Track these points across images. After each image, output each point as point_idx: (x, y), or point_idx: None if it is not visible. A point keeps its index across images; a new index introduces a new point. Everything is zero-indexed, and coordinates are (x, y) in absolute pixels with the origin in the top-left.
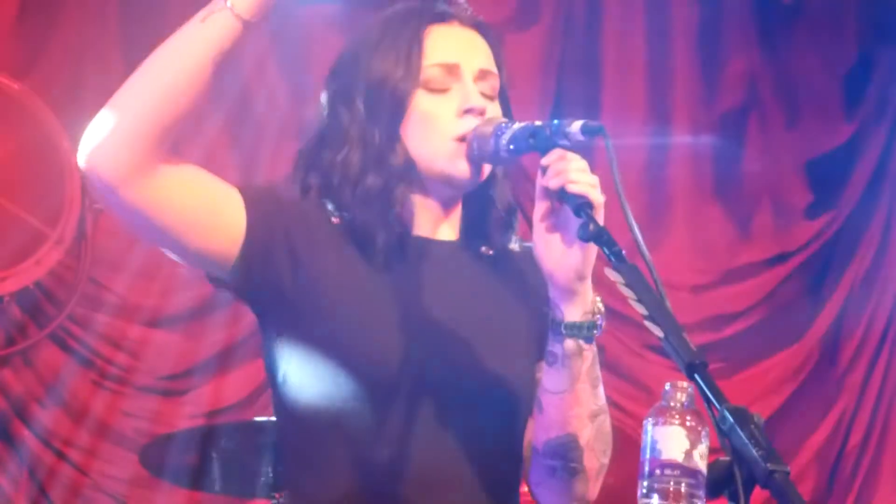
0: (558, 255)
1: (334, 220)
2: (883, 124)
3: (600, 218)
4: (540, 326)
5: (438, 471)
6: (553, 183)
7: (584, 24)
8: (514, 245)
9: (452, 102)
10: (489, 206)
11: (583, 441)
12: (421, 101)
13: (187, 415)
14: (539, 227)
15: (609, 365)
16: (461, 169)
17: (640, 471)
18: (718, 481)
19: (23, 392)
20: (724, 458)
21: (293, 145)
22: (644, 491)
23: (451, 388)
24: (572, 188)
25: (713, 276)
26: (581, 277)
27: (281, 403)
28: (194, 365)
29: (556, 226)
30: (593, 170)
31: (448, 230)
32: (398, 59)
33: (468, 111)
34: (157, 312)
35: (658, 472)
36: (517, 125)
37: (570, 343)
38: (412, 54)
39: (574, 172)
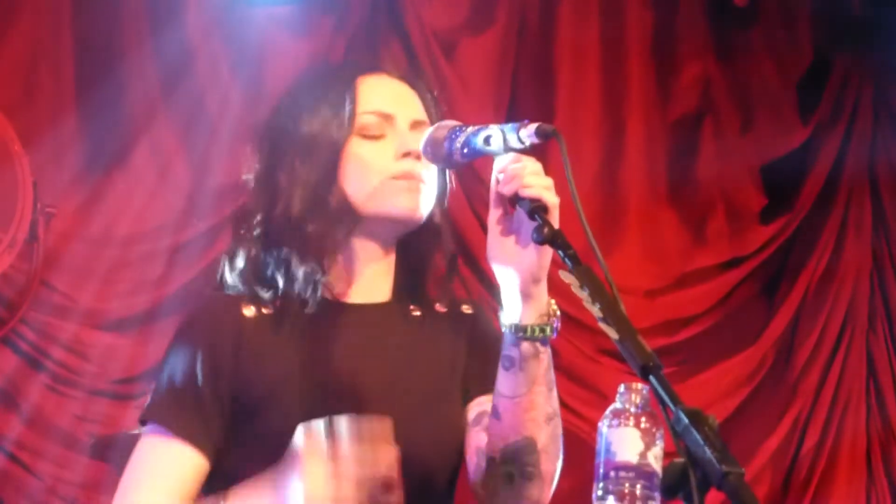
0: (513, 258)
1: (247, 314)
2: (837, 128)
3: (555, 220)
4: (462, 385)
5: None
6: (508, 188)
7: (538, 28)
8: (443, 307)
9: (389, 147)
10: (427, 259)
11: (539, 445)
12: (356, 148)
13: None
14: (494, 230)
15: (563, 369)
16: (402, 204)
17: (596, 473)
18: (673, 483)
19: None
20: (679, 460)
21: (246, 148)
22: (599, 493)
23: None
24: (526, 192)
25: (667, 280)
26: (536, 280)
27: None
28: (147, 369)
29: (510, 229)
30: (547, 173)
31: (380, 290)
32: (333, 108)
33: (406, 154)
34: (110, 316)
35: (613, 473)
36: (471, 129)
37: (526, 346)
38: (346, 102)
39: (528, 176)
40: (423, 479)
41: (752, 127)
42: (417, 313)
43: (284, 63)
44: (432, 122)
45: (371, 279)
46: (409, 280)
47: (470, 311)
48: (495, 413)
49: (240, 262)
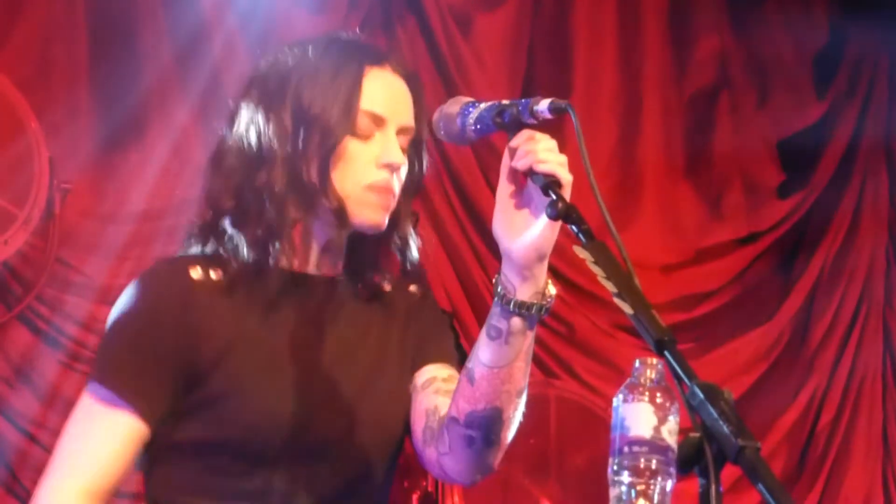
0: (521, 233)
1: (194, 276)
2: (854, 103)
3: (568, 197)
4: (408, 360)
5: None
6: (521, 164)
7: (554, 3)
8: (388, 286)
9: (373, 150)
10: (381, 244)
11: (505, 416)
12: (347, 145)
13: None
14: (504, 205)
15: (579, 344)
16: (368, 218)
17: (611, 448)
18: (689, 458)
19: None
20: (694, 434)
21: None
22: (615, 468)
23: (328, 443)
24: (541, 167)
25: (684, 255)
26: (541, 257)
27: (155, 460)
28: None
29: (521, 204)
30: (562, 150)
31: (333, 264)
32: (336, 98)
33: (386, 166)
34: None
35: (627, 448)
36: (484, 104)
37: (516, 321)
38: (351, 99)
39: (542, 152)
40: (369, 449)
41: (769, 101)
42: (366, 291)
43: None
44: (418, 128)
45: (325, 254)
46: (361, 259)
47: (415, 290)
48: (470, 378)
49: (198, 222)
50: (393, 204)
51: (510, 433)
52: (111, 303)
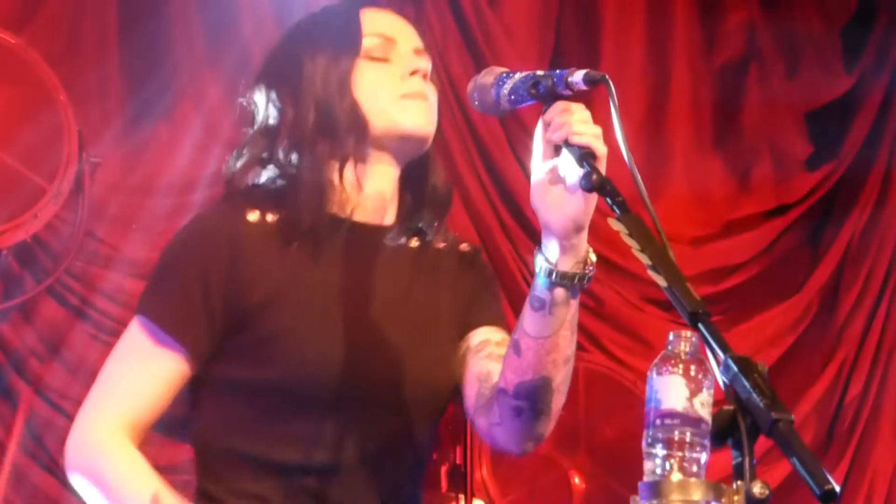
0: (557, 205)
1: (251, 219)
2: (882, 75)
3: (602, 169)
4: (457, 319)
5: (358, 469)
6: (557, 136)
7: None
8: (441, 243)
9: (395, 69)
10: (426, 189)
11: (554, 384)
12: (364, 70)
13: None
14: (540, 177)
15: (608, 318)
16: (412, 121)
17: (645, 420)
18: (722, 430)
19: (20, 346)
20: (728, 407)
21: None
22: (649, 440)
23: (376, 392)
24: (576, 139)
25: (713, 228)
26: (578, 228)
27: (204, 400)
28: None
29: (556, 177)
30: (594, 121)
31: (386, 212)
32: (339, 35)
33: (413, 72)
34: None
35: (659, 421)
36: (518, 75)
37: (559, 291)
38: (351, 27)
39: (577, 124)
40: (415, 403)
41: (797, 73)
42: (416, 244)
43: None
44: (430, 57)
45: (378, 200)
46: (411, 210)
47: (468, 250)
48: (516, 349)
49: (246, 166)
50: (432, 111)
51: (560, 402)
52: (139, 276)
